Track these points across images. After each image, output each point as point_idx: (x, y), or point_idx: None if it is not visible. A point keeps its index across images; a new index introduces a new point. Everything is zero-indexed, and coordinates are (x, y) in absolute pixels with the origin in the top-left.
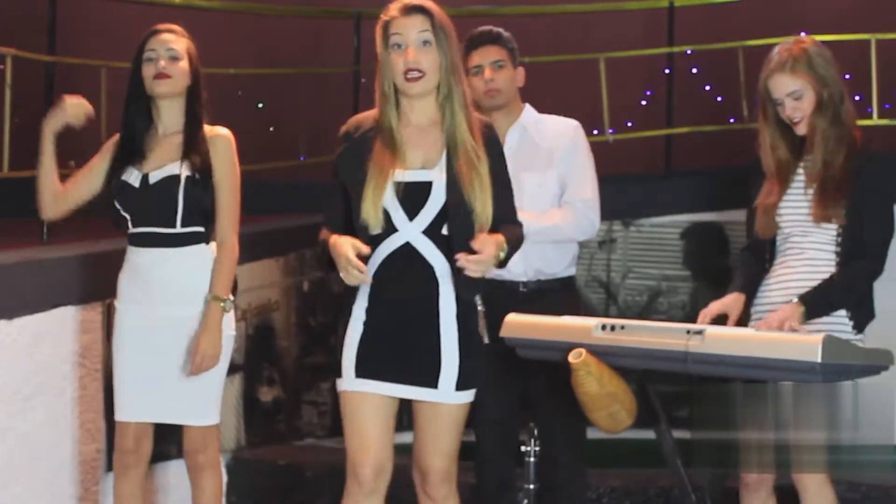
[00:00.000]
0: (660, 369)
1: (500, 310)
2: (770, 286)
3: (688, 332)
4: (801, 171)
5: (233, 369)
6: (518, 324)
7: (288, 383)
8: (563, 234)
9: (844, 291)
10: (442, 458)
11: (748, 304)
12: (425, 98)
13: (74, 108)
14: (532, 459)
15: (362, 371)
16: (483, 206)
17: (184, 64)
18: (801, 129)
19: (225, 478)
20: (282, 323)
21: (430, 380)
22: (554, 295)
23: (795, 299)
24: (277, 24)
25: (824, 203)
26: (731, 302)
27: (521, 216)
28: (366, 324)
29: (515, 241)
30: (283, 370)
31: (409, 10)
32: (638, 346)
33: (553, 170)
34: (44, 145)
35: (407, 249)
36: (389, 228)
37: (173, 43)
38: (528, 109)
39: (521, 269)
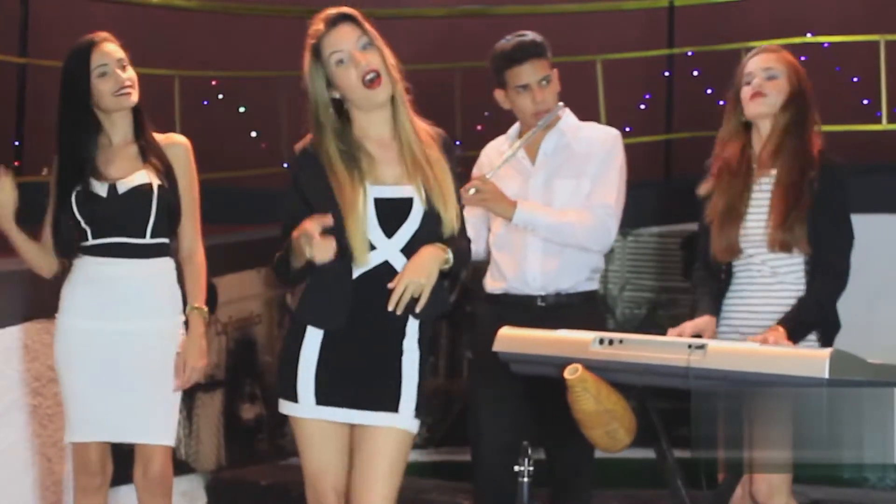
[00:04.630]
0: (660, 385)
1: (517, 326)
2: (739, 308)
3: (689, 346)
4: (761, 186)
5: (213, 385)
6: (512, 338)
7: (270, 400)
8: (576, 236)
9: (818, 310)
10: (383, 491)
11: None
12: (380, 111)
13: (3, 198)
14: (526, 480)
15: (322, 397)
16: (448, 214)
17: (130, 69)
18: (757, 107)
19: (204, 499)
20: (264, 337)
21: (391, 404)
22: (574, 310)
23: (777, 325)
24: (259, 25)
25: (779, 227)
26: (704, 324)
27: (532, 208)
28: (323, 345)
29: (465, 251)
30: (265, 386)
31: (335, 21)
32: (637, 362)
33: (586, 177)
34: (9, 234)
35: (385, 268)
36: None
37: (117, 52)
38: (568, 115)
39: (538, 282)
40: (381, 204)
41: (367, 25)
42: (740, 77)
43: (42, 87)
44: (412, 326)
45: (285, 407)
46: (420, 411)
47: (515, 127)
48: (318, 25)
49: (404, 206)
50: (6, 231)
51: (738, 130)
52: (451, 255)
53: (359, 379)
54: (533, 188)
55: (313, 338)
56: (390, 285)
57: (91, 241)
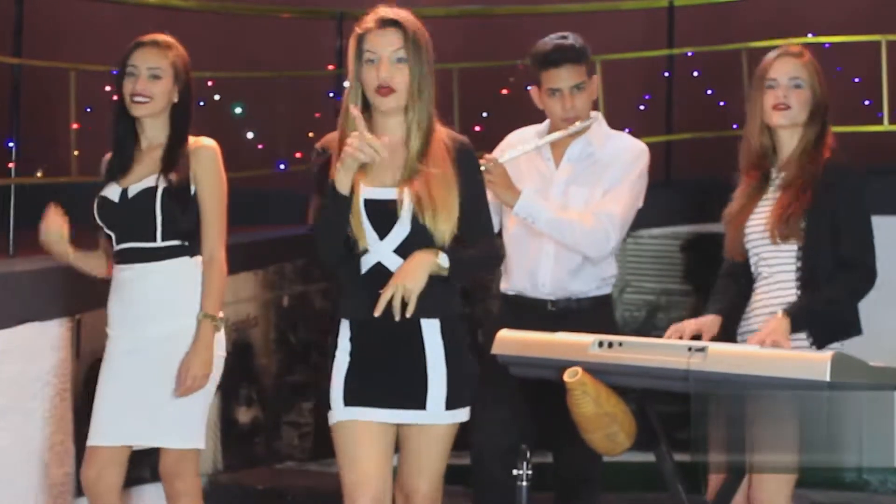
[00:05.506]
0: (660, 388)
1: (530, 328)
2: (749, 315)
3: (689, 349)
4: (771, 191)
5: None
6: (511, 340)
7: (267, 403)
8: (574, 236)
9: (827, 303)
10: (428, 480)
11: (725, 327)
12: (396, 116)
13: (55, 236)
14: (524, 484)
15: (350, 399)
16: (440, 228)
17: (166, 82)
18: (781, 119)
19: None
20: (260, 340)
21: (418, 401)
22: (586, 315)
23: (780, 312)
24: (256, 24)
25: (776, 220)
26: (708, 323)
27: (535, 200)
28: (352, 353)
29: (477, 258)
30: (261, 389)
31: (384, 24)
32: (637, 364)
33: (600, 186)
34: (71, 262)
35: (380, 270)
36: (361, 250)
37: (156, 59)
38: (600, 123)
39: (548, 288)
40: (370, 205)
41: (412, 36)
42: (762, 78)
43: (37, 87)
44: (429, 324)
45: (329, 417)
46: (457, 402)
47: (546, 123)
48: (369, 22)
49: (393, 208)
50: (70, 261)
51: (761, 132)
52: (443, 260)
53: (385, 379)
54: (553, 193)
55: (343, 349)
56: (381, 291)
57: (116, 247)
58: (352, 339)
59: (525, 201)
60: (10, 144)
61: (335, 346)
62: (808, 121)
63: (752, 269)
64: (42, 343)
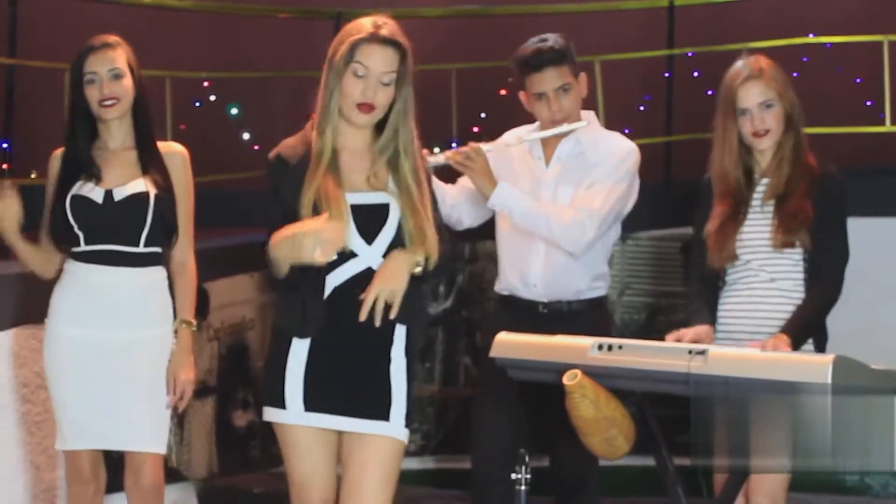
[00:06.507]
0: (660, 392)
1: (524, 329)
2: (735, 314)
3: (689, 352)
4: (758, 195)
5: (205, 392)
6: (509, 343)
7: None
8: (550, 228)
9: (818, 316)
10: (382, 500)
11: None
12: (364, 128)
13: (8, 211)
14: (523, 488)
15: (311, 404)
16: (409, 223)
17: (127, 80)
18: (765, 143)
19: None
20: (257, 342)
21: (382, 412)
22: (579, 317)
23: (777, 331)
24: (253, 24)
25: (785, 228)
26: (704, 333)
27: (511, 193)
28: (311, 351)
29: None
30: (258, 393)
31: (384, 42)
32: (637, 368)
33: (584, 185)
34: (14, 246)
35: (367, 275)
36: (346, 254)
37: (114, 60)
38: (592, 124)
39: (539, 289)
40: (357, 210)
41: (407, 62)
42: (730, 104)
43: (31, 88)
44: (399, 333)
45: (272, 414)
46: (409, 420)
47: (538, 123)
48: (367, 33)
49: (381, 211)
50: (11, 243)
51: (737, 164)
52: (422, 258)
53: (348, 386)
54: (543, 192)
55: (301, 345)
56: (362, 296)
57: (83, 248)
58: (312, 340)
59: (500, 193)
60: (5, 145)
61: (289, 344)
62: (784, 132)
63: (735, 274)
64: (35, 346)
